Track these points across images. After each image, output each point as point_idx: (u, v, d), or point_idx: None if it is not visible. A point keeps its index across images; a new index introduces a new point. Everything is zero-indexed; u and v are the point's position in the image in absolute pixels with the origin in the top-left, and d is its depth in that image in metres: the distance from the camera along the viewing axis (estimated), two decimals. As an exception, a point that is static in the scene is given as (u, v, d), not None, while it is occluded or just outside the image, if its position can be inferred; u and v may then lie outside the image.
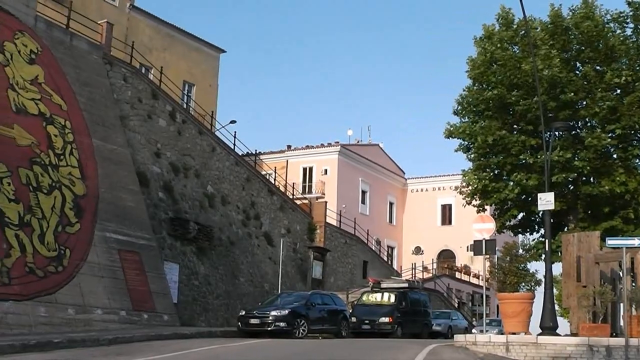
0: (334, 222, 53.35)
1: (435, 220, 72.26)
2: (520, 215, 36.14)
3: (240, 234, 40.59)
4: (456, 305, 58.38)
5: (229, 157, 41.54)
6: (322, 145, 64.06)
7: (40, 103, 27.23)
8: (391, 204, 72.01)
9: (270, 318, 28.38)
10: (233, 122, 46.93)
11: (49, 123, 27.30)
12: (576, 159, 32.62)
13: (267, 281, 41.37)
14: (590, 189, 32.88)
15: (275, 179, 50.03)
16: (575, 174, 32.81)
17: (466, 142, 35.41)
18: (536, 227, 36.38)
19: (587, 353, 19.08)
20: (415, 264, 62.25)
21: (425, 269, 63.03)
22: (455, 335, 24.07)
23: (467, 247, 59.37)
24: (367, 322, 33.67)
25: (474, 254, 27.55)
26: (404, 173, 74.50)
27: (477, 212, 34.79)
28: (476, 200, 36.27)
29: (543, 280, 23.42)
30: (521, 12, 25.47)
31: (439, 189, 71.84)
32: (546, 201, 22.91)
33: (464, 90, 35.42)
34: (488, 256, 27.18)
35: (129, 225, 29.36)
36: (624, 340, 19.70)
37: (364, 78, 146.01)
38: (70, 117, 28.51)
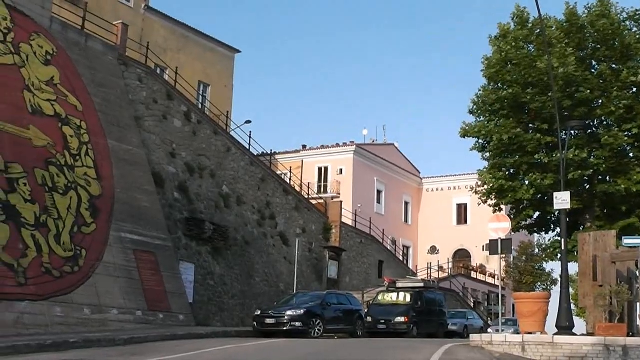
0: (350, 222, 53.33)
1: (451, 220, 72.09)
2: (536, 214, 36.01)
3: (255, 234, 40.62)
4: (472, 304, 58.22)
5: (244, 157, 41.56)
6: (338, 145, 64.02)
7: (56, 104, 27.33)
8: (406, 203, 71.88)
9: (286, 318, 28.35)
10: (248, 122, 46.98)
11: (65, 124, 27.40)
12: (592, 157, 32.47)
13: (283, 281, 41.37)
14: (607, 188, 32.75)
15: (290, 179, 50.03)
16: (591, 172, 32.66)
17: (481, 141, 35.34)
18: (552, 226, 36.25)
19: (603, 353, 18.95)
20: (430, 263, 62.12)
21: (440, 268, 62.94)
22: (471, 335, 23.97)
23: (483, 246, 59.25)
24: (382, 321, 33.60)
25: (490, 254, 27.49)
26: (420, 172, 74.38)
27: (493, 212, 34.70)
28: (492, 199, 36.17)
29: (559, 279, 23.36)
30: (536, 11, 25.42)
31: (455, 188, 71.63)
32: (562, 200, 22.80)
33: (479, 90, 35.36)
34: (504, 256, 27.18)
35: (145, 225, 29.42)
36: (641, 339, 19.59)
37: (379, 77, 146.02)
38: (86, 118, 28.60)
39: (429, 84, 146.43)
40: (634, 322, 22.40)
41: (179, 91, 37.54)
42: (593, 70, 33.80)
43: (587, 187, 34.25)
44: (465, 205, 69.91)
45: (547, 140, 32.96)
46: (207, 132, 38.33)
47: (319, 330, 28.87)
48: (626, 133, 32.72)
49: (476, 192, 37.09)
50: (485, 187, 35.98)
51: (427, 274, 58.45)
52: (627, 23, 33.71)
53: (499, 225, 25.56)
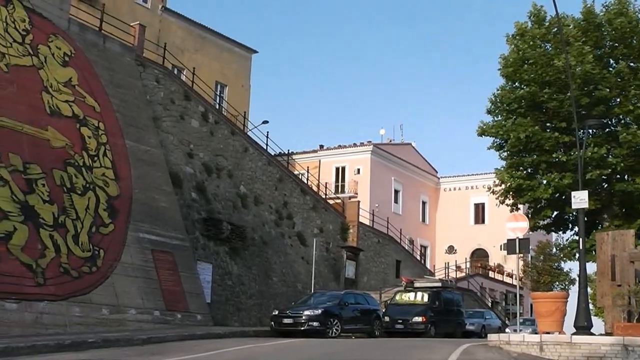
0: (367, 222, 53.30)
1: (468, 219, 71.95)
2: (554, 213, 35.89)
3: (273, 234, 40.66)
4: (489, 304, 58.09)
5: (261, 157, 41.61)
6: (355, 145, 64.01)
7: (74, 105, 27.46)
8: (424, 203, 71.78)
9: (304, 318, 28.37)
10: (265, 122, 47.00)
11: (83, 125, 27.52)
12: (610, 155, 32.35)
13: (300, 281, 41.40)
14: (625, 186, 32.62)
15: (307, 179, 50.04)
16: (609, 171, 32.52)
17: (499, 140, 35.26)
18: (570, 226, 36.12)
19: (622, 353, 18.87)
20: (448, 263, 62.03)
21: (458, 268, 62.81)
22: (488, 335, 23.96)
23: (501, 246, 59.18)
24: (400, 321, 33.60)
25: (508, 253, 27.39)
26: (437, 172, 74.26)
27: (510, 211, 34.60)
28: (509, 199, 36.07)
29: (577, 279, 23.28)
30: (553, 10, 25.34)
31: (472, 187, 71.44)
32: (580, 199, 22.72)
33: (497, 90, 35.30)
34: (521, 255, 27.05)
35: (162, 225, 29.51)
36: (660, 339, 19.50)
37: (396, 77, 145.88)
38: (104, 119, 28.72)
39: (447, 83, 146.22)
40: (653, 322, 22.29)
41: (196, 91, 37.63)
42: (611, 69, 33.66)
43: (605, 186, 34.12)
44: (483, 204, 69.74)
45: (565, 139, 32.87)
46: (224, 132, 38.41)
47: (336, 330, 28.89)
48: (645, 131, 32.57)
49: (493, 192, 37.00)
50: (503, 186, 35.89)
51: (445, 273, 58.37)
52: (645, 21, 33.55)
53: (517, 225, 25.46)
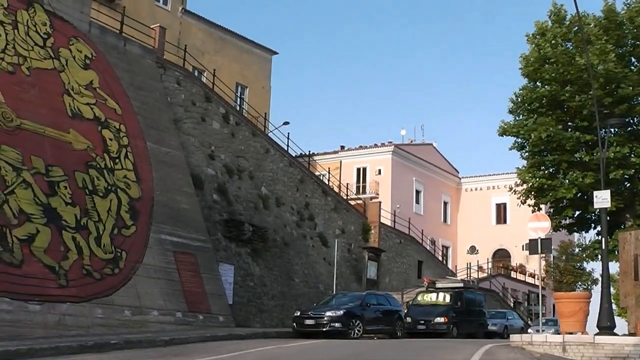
0: (388, 222, 53.26)
1: (490, 219, 71.68)
2: (576, 213, 35.71)
3: (294, 235, 40.68)
4: (512, 305, 57.88)
5: (282, 158, 41.64)
6: (376, 146, 63.94)
7: (95, 107, 27.58)
8: (445, 203, 71.60)
9: (325, 319, 28.35)
10: (286, 123, 47.00)
11: (104, 127, 27.64)
12: (633, 155, 32.15)
13: (322, 282, 41.39)
14: (647, 186, 32.46)
15: (329, 180, 50.03)
16: (632, 171, 32.35)
17: (520, 140, 35.13)
18: (592, 225, 35.94)
19: (645, 353, 18.79)
20: (470, 263, 61.80)
21: (480, 268, 62.63)
22: (511, 335, 23.87)
23: (523, 246, 58.85)
24: (422, 322, 33.52)
25: (530, 253, 27.31)
26: (458, 172, 74.08)
27: (532, 211, 34.45)
28: (531, 199, 35.91)
29: (600, 279, 23.14)
30: (574, 8, 25.24)
31: (494, 187, 71.19)
32: (602, 199, 22.60)
33: (519, 89, 35.17)
34: (544, 255, 26.95)
35: (184, 227, 29.57)
36: (684, 339, 19.37)
37: (416, 77, 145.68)
38: (125, 121, 28.83)
39: (467, 83, 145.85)
40: (677, 322, 22.17)
41: (217, 93, 37.71)
42: (632, 67, 33.48)
43: (628, 185, 33.92)
44: (505, 204, 69.44)
45: (587, 138, 32.70)
46: (245, 133, 38.47)
47: (358, 331, 28.86)
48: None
49: (515, 192, 36.86)
50: (525, 186, 35.75)
51: (467, 274, 58.17)
52: (667, 19, 33.34)
53: (539, 225, 25.35)
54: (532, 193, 35.41)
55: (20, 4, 26.27)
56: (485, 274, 62.52)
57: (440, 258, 63.87)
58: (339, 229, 45.62)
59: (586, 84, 31.64)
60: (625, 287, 23.82)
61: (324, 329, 28.08)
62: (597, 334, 20.41)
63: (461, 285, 37.88)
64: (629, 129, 33.33)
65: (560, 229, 36.89)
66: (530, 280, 66.21)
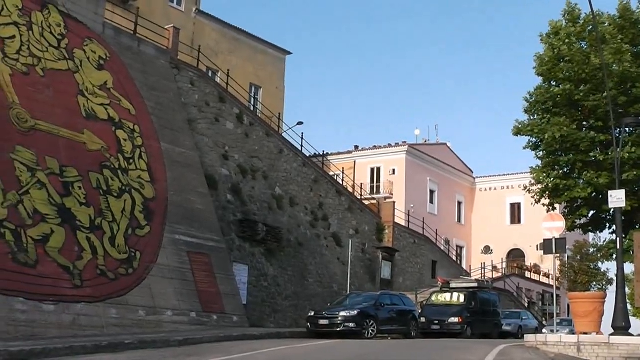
0: (403, 222, 53.21)
1: (505, 219, 71.56)
2: (591, 213, 35.55)
3: (308, 235, 40.68)
4: (526, 305, 57.73)
5: (296, 158, 41.65)
6: (390, 146, 63.91)
7: (109, 108, 27.67)
8: (459, 203, 71.53)
9: (340, 319, 28.39)
10: (300, 123, 47.00)
11: (118, 128, 27.73)
12: (647, 155, 31.98)
13: (336, 282, 41.38)
14: (663, 186, 32.28)
15: (343, 180, 50.05)
16: (647, 171, 32.18)
17: (534, 140, 35.00)
18: (607, 225, 35.77)
19: (661, 353, 18.72)
20: (484, 263, 61.69)
21: (494, 268, 62.48)
22: (525, 336, 23.82)
23: (537, 246, 58.73)
24: (436, 322, 33.48)
25: (544, 253, 27.23)
26: (472, 172, 73.96)
27: (547, 211, 34.32)
28: (545, 198, 35.76)
29: (615, 279, 23.05)
30: (588, 7, 25.14)
31: (508, 187, 71.06)
32: (617, 198, 22.52)
33: (533, 89, 35.03)
34: (558, 255, 26.89)
35: (198, 227, 29.62)
36: (699, 339, 19.30)
37: (430, 77, 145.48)
38: (139, 122, 28.91)
39: (482, 83, 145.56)
40: (692, 322, 22.07)
41: (231, 93, 37.75)
42: (647, 67, 33.29)
43: (643, 185, 33.73)
44: (519, 204, 69.30)
45: (602, 138, 32.54)
46: (259, 134, 38.50)
47: (372, 331, 28.87)
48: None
49: (529, 192, 36.72)
50: (539, 186, 35.61)
51: (481, 274, 58.03)
52: (683, 18, 33.15)
53: (553, 225, 25.28)
54: (547, 193, 35.27)
55: (35, 5, 26.38)
56: (500, 274, 62.37)
57: (454, 258, 63.78)
58: (353, 229, 45.60)
59: (601, 83, 31.47)
60: (641, 287, 23.73)
61: (338, 329, 28.12)
62: (612, 334, 20.36)
63: (475, 285, 37.79)
64: (644, 128, 33.12)
65: (575, 228, 36.75)
66: (544, 280, 66.04)
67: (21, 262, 21.70)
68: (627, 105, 32.01)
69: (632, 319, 24.82)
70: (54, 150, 24.47)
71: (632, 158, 31.18)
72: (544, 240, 25.41)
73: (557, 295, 30.35)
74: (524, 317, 43.80)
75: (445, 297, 35.95)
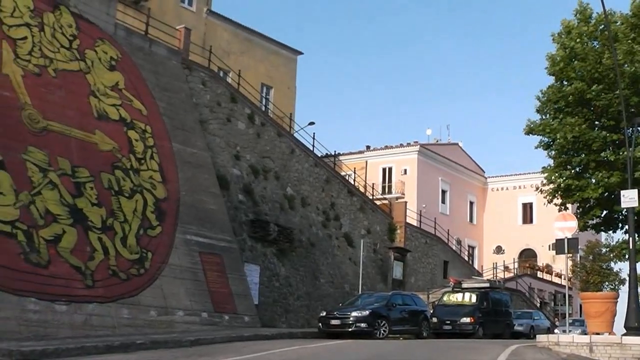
0: (414, 222, 53.17)
1: (516, 219, 71.42)
2: (603, 213, 35.41)
3: (320, 235, 40.68)
4: (538, 305, 57.64)
5: (308, 158, 41.66)
6: (401, 145, 63.85)
7: (121, 109, 27.73)
8: (471, 203, 71.39)
9: (351, 319, 28.35)
10: (312, 123, 47.02)
11: (130, 128, 27.78)
12: (659, 154, 31.83)
13: (348, 282, 41.38)
14: (675, 186, 32.07)
15: (354, 180, 50.00)
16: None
17: (546, 139, 34.88)
18: (619, 225, 35.62)
19: (673, 353, 18.65)
20: (496, 263, 61.62)
21: (506, 268, 62.41)
22: (537, 336, 23.80)
23: (549, 246, 58.70)
24: (448, 322, 33.45)
25: (556, 253, 27.13)
26: (484, 172, 73.85)
27: (559, 211, 34.20)
28: (557, 198, 35.65)
29: (627, 279, 22.96)
30: (600, 6, 25.06)
31: (520, 187, 70.94)
32: (630, 198, 22.45)
33: (546, 88, 34.92)
34: (570, 255, 26.76)
35: (210, 227, 29.65)
36: None
37: (442, 77, 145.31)
38: (151, 122, 28.96)
39: (494, 83, 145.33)
40: None
41: (243, 94, 37.77)
42: (660, 66, 33.12)
43: (656, 185, 33.57)
44: (531, 204, 69.19)
45: (614, 137, 32.40)
46: (271, 134, 38.53)
47: (384, 331, 28.84)
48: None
49: (541, 191, 36.61)
50: (551, 186, 35.49)
51: (493, 274, 58.00)
52: (697, 16, 32.95)
53: (565, 224, 25.19)
54: (559, 193, 35.17)
55: (47, 6, 26.45)
56: (512, 274, 62.30)
57: (466, 258, 63.70)
58: (364, 229, 45.60)
59: (613, 83, 31.35)
60: (653, 287, 23.64)
61: (350, 329, 28.08)
62: (624, 335, 20.30)
63: (487, 285, 37.76)
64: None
65: (587, 228, 36.60)
66: (556, 280, 65.90)
67: (33, 263, 21.78)
68: (639, 105, 31.87)
69: (644, 320, 24.67)
70: (65, 150, 24.54)
71: (643, 157, 31.02)
72: (556, 240, 25.32)
73: (569, 296, 30.25)
74: (535, 318, 43.69)
75: (457, 297, 35.91)
